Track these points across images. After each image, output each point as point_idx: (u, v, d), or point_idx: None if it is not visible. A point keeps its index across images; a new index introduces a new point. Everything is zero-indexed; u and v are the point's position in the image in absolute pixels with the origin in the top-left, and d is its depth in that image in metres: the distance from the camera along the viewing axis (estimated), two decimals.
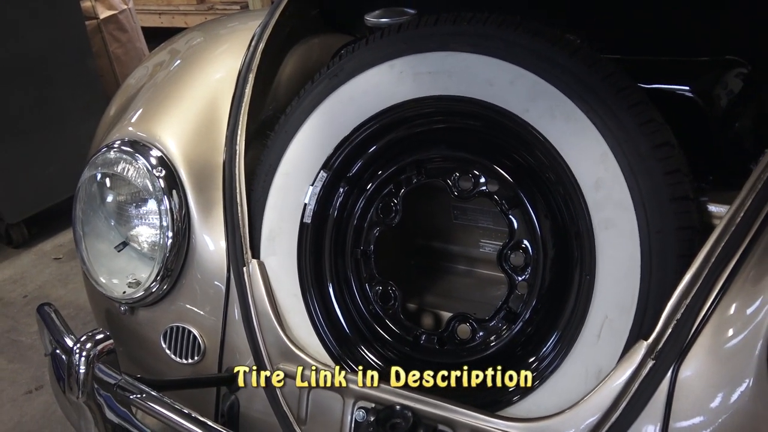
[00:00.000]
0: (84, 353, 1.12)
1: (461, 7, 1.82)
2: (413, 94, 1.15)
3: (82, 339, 1.14)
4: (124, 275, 1.42)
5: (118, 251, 1.44)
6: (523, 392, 1.05)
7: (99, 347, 1.13)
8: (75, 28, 3.25)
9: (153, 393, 1.12)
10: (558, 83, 1.03)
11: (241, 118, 1.36)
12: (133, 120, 1.47)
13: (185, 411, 1.10)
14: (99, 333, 1.15)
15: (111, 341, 1.14)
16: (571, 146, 1.03)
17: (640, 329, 0.96)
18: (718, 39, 1.28)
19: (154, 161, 1.34)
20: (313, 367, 1.16)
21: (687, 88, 1.19)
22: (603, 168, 1.00)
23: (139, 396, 1.12)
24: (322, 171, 1.23)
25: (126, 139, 1.39)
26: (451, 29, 1.13)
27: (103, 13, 3.66)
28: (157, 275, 1.33)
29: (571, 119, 1.02)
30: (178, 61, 1.66)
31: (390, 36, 1.18)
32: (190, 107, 1.47)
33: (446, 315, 1.29)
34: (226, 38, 1.72)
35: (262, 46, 1.46)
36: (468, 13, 1.14)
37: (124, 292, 1.38)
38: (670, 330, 0.93)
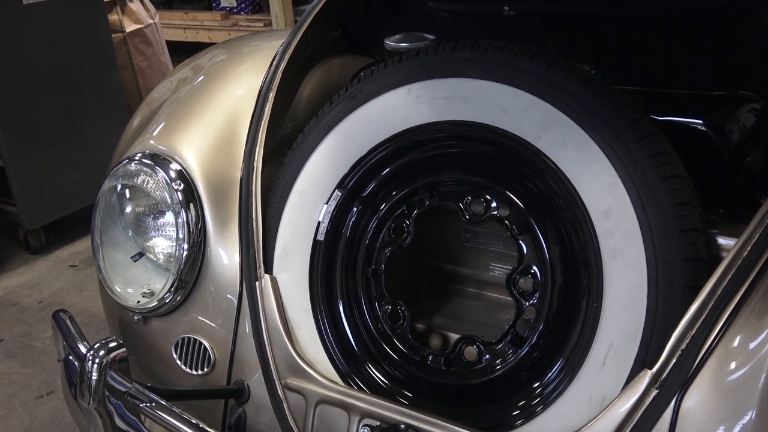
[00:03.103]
0: (97, 360, 1.14)
1: (480, 35, 1.86)
2: (429, 118, 1.17)
3: (95, 346, 1.17)
4: (139, 285, 1.44)
5: (134, 261, 1.47)
6: (527, 416, 1.06)
7: (112, 355, 1.15)
8: (101, 40, 3.32)
9: (163, 402, 1.14)
10: (570, 112, 1.05)
11: (259, 136, 1.39)
12: (154, 133, 1.51)
13: (193, 421, 1.11)
14: (112, 341, 1.18)
15: (123, 349, 1.16)
16: (581, 175, 1.04)
17: (644, 358, 0.97)
18: (732, 74, 1.30)
19: (173, 174, 1.37)
20: (320, 383, 1.18)
21: (700, 121, 1.21)
22: (612, 197, 1.01)
23: (148, 405, 1.14)
24: (336, 190, 1.25)
25: (147, 152, 1.43)
26: (468, 56, 1.15)
27: (130, 27, 3.74)
28: (171, 286, 1.36)
29: (583, 148, 1.04)
30: (201, 77, 1.70)
31: (408, 61, 1.21)
32: (211, 123, 1.50)
33: (454, 336, 1.30)
34: (249, 56, 1.76)
35: (283, 65, 1.49)
36: (485, 40, 1.16)
37: (138, 302, 1.41)
38: (674, 360, 0.94)
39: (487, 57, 1.13)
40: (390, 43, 1.47)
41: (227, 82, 1.64)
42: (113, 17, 3.62)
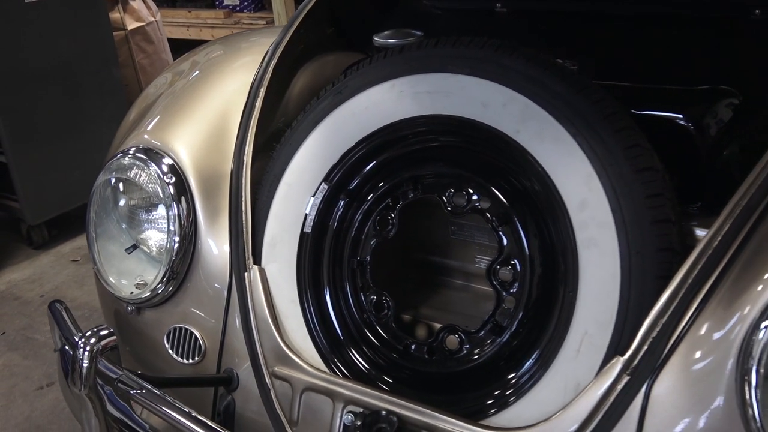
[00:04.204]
0: (88, 348, 1.18)
1: (473, 32, 1.88)
2: (412, 112, 1.20)
3: (87, 334, 1.20)
4: (133, 276, 1.47)
5: (129, 253, 1.50)
6: (505, 402, 1.09)
7: (102, 342, 1.19)
8: (102, 38, 3.36)
9: (152, 389, 1.17)
10: (547, 106, 1.07)
11: (250, 130, 1.42)
12: (149, 128, 1.54)
13: (182, 408, 1.14)
14: (103, 329, 1.21)
15: (114, 338, 1.19)
16: (558, 167, 1.07)
17: (617, 346, 1.00)
18: (712, 68, 1.32)
19: (165, 168, 1.40)
20: (306, 371, 1.21)
21: (679, 115, 1.23)
22: (587, 189, 1.04)
23: (138, 391, 1.17)
24: (323, 183, 1.28)
25: (141, 147, 1.46)
26: (450, 52, 1.18)
27: (131, 25, 3.78)
28: (163, 277, 1.39)
29: (559, 141, 1.06)
30: (197, 72, 1.73)
31: (392, 56, 1.24)
32: (204, 117, 1.53)
33: (439, 326, 1.33)
34: (246, 52, 1.79)
35: (274, 62, 1.52)
36: (467, 37, 1.19)
37: (132, 293, 1.44)
38: (645, 348, 0.96)
39: (468, 53, 1.16)
40: (378, 39, 1.50)
41: (221, 77, 1.67)
42: (115, 15, 3.66)
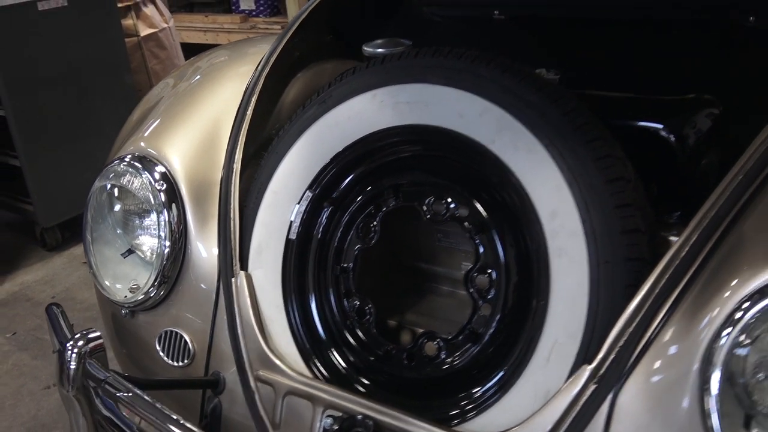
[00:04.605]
0: (75, 350, 1.21)
1: (472, 39, 1.89)
2: (392, 122, 1.22)
3: (76, 336, 1.24)
4: (128, 280, 1.51)
5: (124, 257, 1.54)
6: (478, 409, 1.11)
7: (90, 345, 1.23)
8: (115, 44, 3.43)
9: (137, 391, 1.20)
10: (521, 117, 1.09)
11: (240, 138, 1.45)
12: (146, 134, 1.58)
13: (166, 411, 1.17)
14: (92, 332, 1.25)
15: (101, 341, 1.23)
16: (531, 177, 1.08)
17: (585, 354, 1.01)
18: (698, 76, 1.33)
19: (157, 176, 1.44)
20: (288, 375, 1.23)
21: (659, 125, 1.24)
22: (558, 199, 1.05)
23: (124, 394, 1.21)
24: (307, 191, 1.31)
25: (136, 154, 1.50)
26: (429, 62, 1.20)
27: (144, 31, 3.84)
28: (154, 281, 1.42)
29: (532, 151, 1.08)
30: (197, 78, 1.77)
31: (374, 67, 1.26)
32: (199, 124, 1.56)
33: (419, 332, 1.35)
34: (250, 59, 1.82)
35: (266, 71, 1.55)
36: (447, 47, 1.21)
37: (126, 296, 1.48)
38: (612, 356, 0.98)
39: (446, 63, 1.17)
40: (367, 48, 1.52)
41: (220, 83, 1.70)
42: (128, 22, 3.72)
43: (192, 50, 4.90)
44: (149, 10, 3.87)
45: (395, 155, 1.25)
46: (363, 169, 1.28)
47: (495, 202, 1.16)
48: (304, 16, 1.73)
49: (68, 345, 1.21)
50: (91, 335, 1.24)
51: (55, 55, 3.20)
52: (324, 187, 1.30)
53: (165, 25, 3.99)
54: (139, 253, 1.52)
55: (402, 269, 1.50)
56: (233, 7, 6.61)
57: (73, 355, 1.20)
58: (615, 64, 1.51)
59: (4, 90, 3.07)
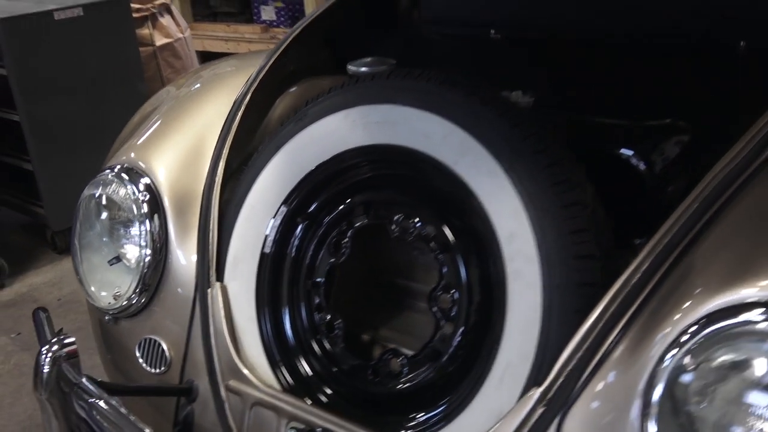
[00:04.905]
0: (50, 354, 1.25)
1: (470, 58, 1.90)
2: (363, 141, 1.25)
3: (51, 341, 1.28)
4: (113, 288, 1.55)
5: (111, 265, 1.58)
6: (435, 427, 1.12)
7: (64, 350, 1.26)
8: (129, 54, 3.51)
9: (108, 398, 1.23)
10: (483, 140, 1.11)
11: (224, 151, 1.49)
12: (137, 143, 1.63)
13: (132, 419, 1.20)
14: (67, 338, 1.29)
15: (75, 347, 1.27)
16: (491, 200, 1.10)
17: (536, 377, 1.02)
18: (674, 101, 1.33)
19: (141, 187, 1.48)
20: (256, 387, 1.26)
21: (627, 151, 1.25)
22: (516, 222, 1.07)
23: (95, 399, 1.24)
24: (282, 206, 1.34)
25: (125, 165, 1.54)
26: (399, 84, 1.22)
27: (160, 41, 3.92)
28: (135, 288, 1.46)
29: (493, 175, 1.09)
30: (196, 87, 1.82)
31: (348, 87, 1.29)
32: (188, 134, 1.61)
33: (399, 348, 1.36)
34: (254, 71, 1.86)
35: (255, 85, 1.59)
36: (418, 70, 1.23)
37: (109, 303, 1.52)
38: (560, 380, 0.99)
39: (415, 85, 1.20)
40: (352, 67, 1.55)
41: (216, 95, 1.74)
42: (144, 31, 3.80)
43: (213, 59, 5.00)
44: (165, 20, 3.95)
45: (366, 173, 1.27)
46: (335, 187, 1.30)
47: (459, 223, 1.18)
48: (297, 32, 1.77)
49: (43, 349, 1.25)
50: (66, 341, 1.28)
51: (69, 63, 3.28)
52: (298, 203, 1.33)
53: (180, 36, 4.07)
54: (125, 261, 1.56)
55: (380, 284, 1.52)
56: (255, 18, 6.70)
57: (47, 360, 1.24)
58: (599, 86, 1.52)
59: (19, 96, 3.15)
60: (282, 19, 6.56)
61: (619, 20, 1.62)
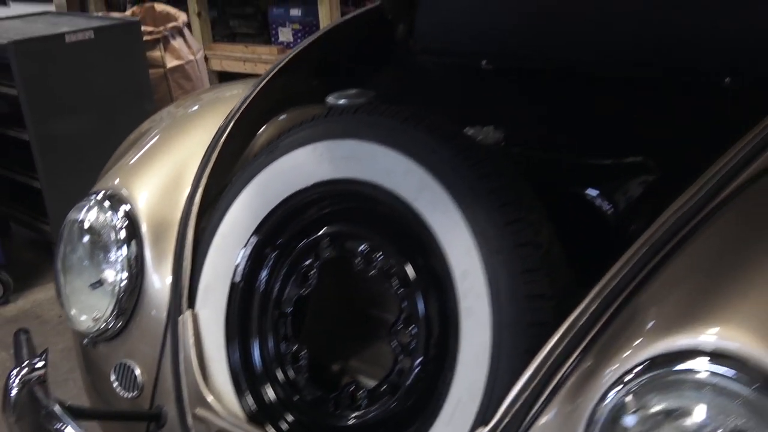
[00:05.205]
0: (19, 377, 1.28)
1: (462, 87, 1.92)
2: (330, 175, 1.27)
3: (23, 364, 1.31)
4: (93, 311, 1.58)
5: (93, 289, 1.61)
6: None
7: (34, 374, 1.29)
8: (139, 76, 3.58)
9: (75, 424, 1.25)
10: (440, 178, 1.12)
11: (203, 180, 1.51)
12: (125, 166, 1.67)
13: None
14: (39, 362, 1.31)
15: (44, 371, 1.29)
16: (447, 237, 1.11)
17: (484, 416, 1.02)
18: (640, 138, 1.34)
19: (120, 214, 1.51)
20: (220, 415, 1.27)
21: (590, 190, 1.25)
22: (469, 261, 1.08)
23: (63, 425, 1.26)
24: (253, 236, 1.36)
25: (108, 192, 1.58)
26: (365, 119, 1.24)
27: (171, 63, 3.99)
28: (111, 312, 1.49)
29: (449, 213, 1.11)
30: (194, 108, 1.85)
31: (318, 121, 1.31)
32: (172, 162, 1.64)
33: (362, 380, 1.37)
34: None
35: (238, 114, 1.62)
36: (384, 105, 1.25)
37: (88, 327, 1.54)
38: (506, 420, 0.99)
39: (379, 121, 1.22)
40: (330, 99, 1.57)
41: (206, 121, 1.76)
42: (155, 54, 3.88)
43: (231, 79, 5.08)
44: (177, 43, 4.03)
45: (334, 207, 1.29)
46: (304, 219, 1.32)
47: (420, 259, 1.19)
48: (285, 62, 1.80)
49: (13, 372, 1.28)
50: (37, 365, 1.30)
51: (79, 84, 3.36)
52: (268, 234, 1.35)
53: (192, 58, 4.14)
54: (106, 286, 1.59)
55: (353, 315, 1.53)
56: (273, 39, 6.79)
57: (16, 382, 1.27)
58: (574, 122, 1.53)
59: (29, 116, 3.22)
60: (299, 40, 6.64)
61: (603, 53, 1.64)
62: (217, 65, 5.98)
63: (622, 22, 1.64)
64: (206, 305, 1.39)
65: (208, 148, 1.58)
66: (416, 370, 1.17)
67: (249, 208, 1.37)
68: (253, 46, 6.84)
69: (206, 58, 5.12)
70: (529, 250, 1.06)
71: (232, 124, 1.61)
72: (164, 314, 1.45)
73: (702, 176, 1.05)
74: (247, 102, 1.66)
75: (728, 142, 1.11)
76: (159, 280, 1.48)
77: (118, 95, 3.51)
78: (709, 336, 0.88)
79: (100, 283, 1.60)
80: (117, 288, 1.48)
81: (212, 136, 1.64)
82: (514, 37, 1.85)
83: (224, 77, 5.51)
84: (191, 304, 1.40)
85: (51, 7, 5.78)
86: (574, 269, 1.12)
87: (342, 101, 1.54)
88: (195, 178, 1.54)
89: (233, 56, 6.74)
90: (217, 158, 1.55)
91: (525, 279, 1.04)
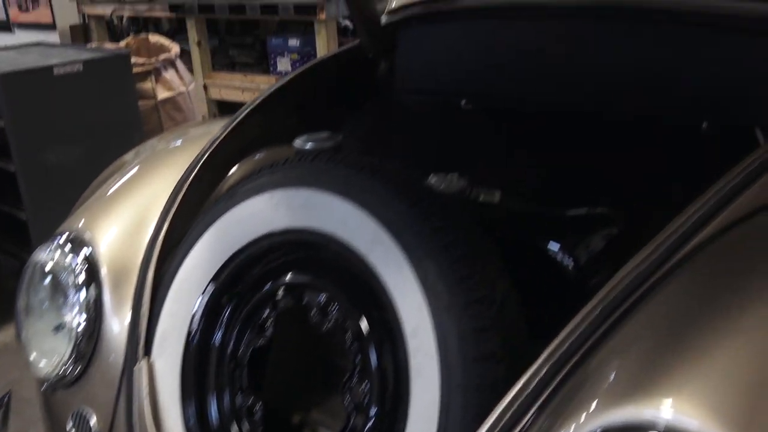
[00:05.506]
0: None
1: (443, 125, 1.90)
2: (287, 223, 1.24)
3: None
4: (52, 356, 1.54)
5: (54, 333, 1.58)
6: None
7: None
8: (128, 108, 3.58)
9: None
10: (392, 232, 1.09)
11: (165, 224, 1.49)
12: (91, 206, 1.65)
13: None
14: None
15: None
16: (398, 292, 1.08)
17: None
18: (603, 188, 1.31)
19: (81, 258, 1.49)
20: None
21: (551, 244, 1.22)
22: (419, 318, 1.04)
23: None
24: (210, 283, 1.33)
25: (71, 234, 1.55)
26: (322, 168, 1.22)
27: (162, 94, 4.00)
28: (70, 357, 1.45)
29: (400, 268, 1.08)
30: (176, 143, 1.84)
31: (275, 168, 1.29)
32: (136, 204, 1.62)
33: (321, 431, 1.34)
34: None
35: (205, 158, 1.60)
36: (344, 153, 1.23)
37: (47, 372, 1.51)
38: None
39: (335, 171, 1.19)
40: (297, 142, 1.55)
41: (177, 161, 1.75)
42: (146, 85, 3.89)
43: (229, 107, 5.09)
44: (169, 74, 4.04)
45: (290, 256, 1.26)
46: (260, 267, 1.29)
47: (374, 313, 1.16)
48: (257, 103, 1.79)
49: None
50: None
51: (67, 116, 3.36)
52: (225, 282, 1.32)
53: (183, 89, 4.15)
54: (66, 330, 1.56)
55: (313, 365, 1.49)
56: (271, 69, 6.83)
57: None
58: (548, 166, 1.50)
59: (16, 147, 3.22)
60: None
61: (580, 95, 1.62)
62: (216, 94, 6.01)
63: (602, 65, 1.62)
64: (162, 354, 1.36)
65: (173, 189, 1.56)
66: (368, 427, 1.13)
67: (207, 255, 1.34)
68: (252, 76, 6.87)
69: (205, 87, 5.15)
70: (482, 308, 1.02)
71: (199, 165, 1.58)
72: (122, 360, 1.41)
73: (661, 233, 1.02)
74: (216, 143, 1.64)
75: (698, 192, 1.09)
76: (118, 325, 1.45)
77: (107, 127, 3.50)
78: (665, 410, 0.83)
79: (62, 326, 1.57)
80: (75, 332, 1.44)
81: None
82: (493, 77, 1.84)
83: (223, 106, 5.52)
84: (147, 351, 1.37)
85: (55, 35, 5.83)
86: (532, 324, 1.09)
87: (309, 145, 1.52)
88: (158, 220, 1.52)
89: (232, 85, 6.77)
90: (182, 200, 1.53)
91: (475, 338, 1.01)
